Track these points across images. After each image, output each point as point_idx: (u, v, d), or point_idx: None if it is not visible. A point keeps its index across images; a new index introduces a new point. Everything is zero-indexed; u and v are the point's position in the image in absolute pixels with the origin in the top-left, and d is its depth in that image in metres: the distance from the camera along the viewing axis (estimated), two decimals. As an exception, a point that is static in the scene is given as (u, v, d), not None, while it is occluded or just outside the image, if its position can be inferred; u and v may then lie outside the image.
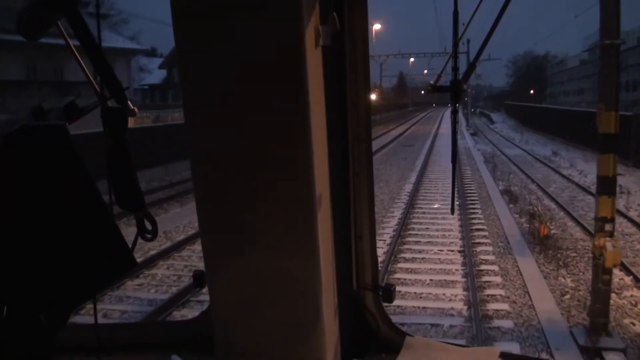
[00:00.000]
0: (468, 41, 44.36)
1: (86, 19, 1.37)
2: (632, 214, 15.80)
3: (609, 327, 7.84)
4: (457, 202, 16.42)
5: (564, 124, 40.42)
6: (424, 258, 11.58)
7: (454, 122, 1.92)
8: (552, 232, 13.41)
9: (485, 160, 28.76)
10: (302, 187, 1.81)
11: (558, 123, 42.43)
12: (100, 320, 7.03)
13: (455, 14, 1.87)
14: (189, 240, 12.79)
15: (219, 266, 2.01)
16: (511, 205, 17.04)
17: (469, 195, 18.43)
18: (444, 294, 9.55)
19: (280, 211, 1.87)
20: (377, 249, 2.43)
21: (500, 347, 2.37)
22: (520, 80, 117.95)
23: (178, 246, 12.31)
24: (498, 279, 10.20)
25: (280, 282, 1.94)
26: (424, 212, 15.81)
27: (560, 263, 11.28)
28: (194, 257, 11.74)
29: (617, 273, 9.93)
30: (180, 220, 14.83)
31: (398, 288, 7.03)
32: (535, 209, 14.43)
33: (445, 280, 10.23)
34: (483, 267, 10.88)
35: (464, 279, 10.21)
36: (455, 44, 1.85)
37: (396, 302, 7.40)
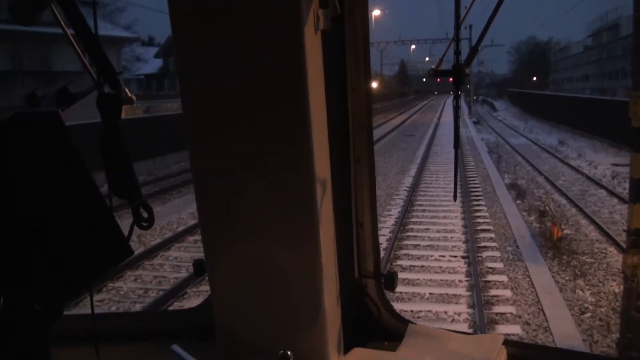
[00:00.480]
0: (470, 27, 43.29)
1: (80, 7, 1.33)
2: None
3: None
4: (460, 199, 15.21)
5: (569, 111, 39.30)
6: (423, 266, 10.34)
7: (456, 108, 1.80)
8: (565, 232, 12.17)
9: (489, 150, 27.53)
10: (302, 173, 1.79)
11: (563, 111, 41.31)
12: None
13: None
14: (165, 245, 11.60)
15: (219, 255, 2.00)
16: (519, 202, 15.78)
17: (473, 190, 17.14)
18: (445, 312, 8.32)
19: (281, 198, 1.85)
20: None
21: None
22: (522, 67, 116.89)
23: (151, 252, 11.10)
24: (508, 293, 8.94)
25: (281, 270, 1.92)
26: (424, 210, 14.58)
27: (577, 271, 10.01)
28: (166, 266, 10.54)
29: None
30: (158, 220, 13.60)
31: (393, 305, 5.89)
32: (547, 207, 13.17)
33: (447, 294, 8.98)
34: (490, 277, 9.63)
35: (468, 293, 8.97)
36: (457, 27, 1.74)
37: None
